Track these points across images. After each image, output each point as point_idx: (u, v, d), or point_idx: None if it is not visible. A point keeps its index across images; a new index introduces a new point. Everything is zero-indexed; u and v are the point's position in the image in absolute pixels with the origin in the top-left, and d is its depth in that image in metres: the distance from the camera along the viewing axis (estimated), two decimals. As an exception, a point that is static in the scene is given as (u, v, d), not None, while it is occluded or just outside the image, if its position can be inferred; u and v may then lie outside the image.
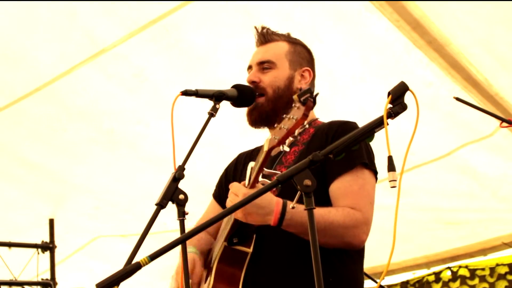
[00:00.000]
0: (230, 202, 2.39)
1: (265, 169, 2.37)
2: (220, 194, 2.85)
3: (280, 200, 2.33)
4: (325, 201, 2.45)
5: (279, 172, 2.49)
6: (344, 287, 2.48)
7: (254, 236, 2.46)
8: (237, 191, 2.36)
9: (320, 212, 2.31)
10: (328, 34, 4.20)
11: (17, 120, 4.89)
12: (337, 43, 4.31)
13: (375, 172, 2.53)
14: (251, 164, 2.39)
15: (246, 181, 2.38)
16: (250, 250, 2.45)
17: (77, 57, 4.39)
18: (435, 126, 4.85)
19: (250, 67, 2.76)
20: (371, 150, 2.55)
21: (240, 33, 4.04)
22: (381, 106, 1.91)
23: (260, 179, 2.38)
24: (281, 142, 2.23)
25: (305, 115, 2.13)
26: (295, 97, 2.16)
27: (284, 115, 2.20)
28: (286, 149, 2.27)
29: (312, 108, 2.15)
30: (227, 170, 2.91)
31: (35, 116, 4.86)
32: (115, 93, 4.72)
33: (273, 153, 2.62)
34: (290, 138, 2.22)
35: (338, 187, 2.46)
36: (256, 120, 2.69)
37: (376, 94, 4.44)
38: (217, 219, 1.86)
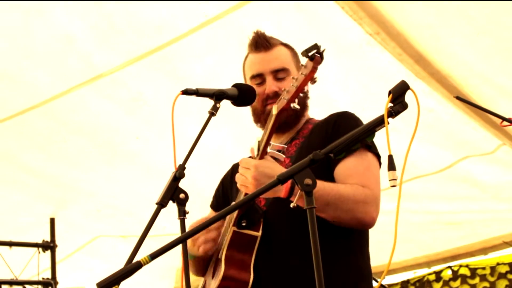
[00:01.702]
0: (240, 176, 2.37)
1: (272, 143, 2.36)
2: (218, 204, 2.86)
3: None
4: None
5: (285, 146, 2.49)
6: (351, 275, 2.48)
7: (262, 220, 2.46)
8: (247, 164, 2.35)
9: (329, 186, 2.34)
10: (331, 68, 4.21)
11: (18, 131, 4.93)
12: (340, 77, 4.32)
13: (378, 158, 2.52)
14: (258, 138, 2.38)
15: (255, 153, 2.37)
16: (259, 233, 2.44)
17: (74, 80, 4.43)
18: (436, 145, 4.89)
19: (259, 76, 2.69)
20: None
21: (237, 63, 4.06)
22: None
23: (269, 150, 2.36)
24: (291, 101, 2.23)
25: (315, 69, 2.14)
26: (302, 52, 2.15)
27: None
28: (297, 106, 2.25)
29: (320, 63, 2.14)
30: (223, 181, 2.91)
31: (35, 128, 4.91)
32: (113, 114, 4.78)
33: (274, 149, 2.64)
34: (301, 95, 2.21)
35: (343, 170, 2.46)
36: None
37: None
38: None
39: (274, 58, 2.68)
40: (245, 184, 2.36)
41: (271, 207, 2.50)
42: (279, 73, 2.65)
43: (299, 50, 3.94)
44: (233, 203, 2.60)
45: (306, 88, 2.26)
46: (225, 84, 4.29)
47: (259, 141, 2.37)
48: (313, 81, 2.62)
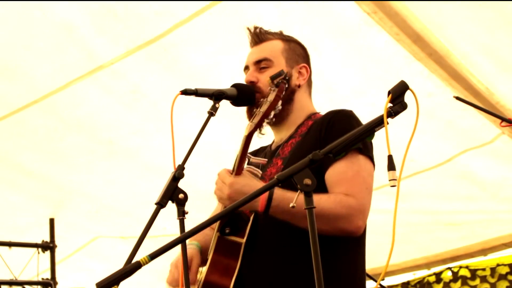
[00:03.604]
0: (217, 190, 2.41)
1: (252, 157, 2.42)
2: None
3: None
4: (323, 191, 2.43)
5: (265, 160, 2.56)
6: (341, 278, 2.45)
7: (248, 226, 2.46)
8: (224, 179, 2.38)
9: None
10: (328, 49, 4.20)
11: (15, 130, 4.91)
12: (337, 57, 4.31)
13: (371, 159, 2.50)
14: (237, 152, 2.41)
15: (232, 168, 2.40)
16: (243, 240, 2.44)
17: (74, 72, 4.42)
18: (435, 135, 4.86)
19: (246, 68, 2.75)
20: (369, 142, 2.51)
21: (238, 51, 4.05)
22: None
23: (246, 166, 2.40)
24: (258, 125, 2.32)
25: (278, 97, 2.27)
26: (268, 80, 2.31)
27: (262, 99, 2.34)
28: (263, 133, 2.40)
29: (284, 90, 2.29)
30: None
31: (33, 126, 4.90)
32: (113, 107, 4.76)
33: (275, 145, 2.70)
34: (266, 121, 2.32)
35: (332, 174, 2.45)
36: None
37: (376, 107, 4.43)
38: (216, 219, 1.88)
39: (260, 50, 2.72)
40: (222, 199, 2.40)
41: (257, 214, 2.48)
42: (261, 63, 2.69)
43: (298, 30, 3.96)
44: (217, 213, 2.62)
45: (278, 104, 2.33)
46: (227, 71, 4.31)
47: (237, 155, 2.40)
48: (310, 85, 2.74)
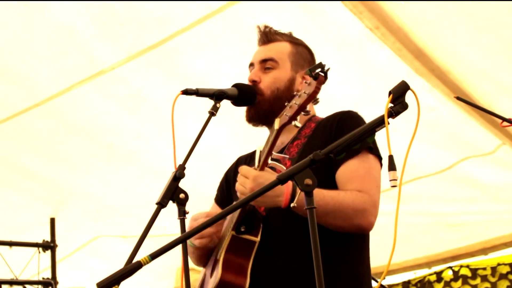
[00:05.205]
0: (239, 185, 2.38)
1: (274, 153, 2.35)
2: (222, 197, 2.86)
3: (290, 182, 2.29)
4: (333, 188, 2.44)
5: (287, 156, 2.51)
6: (351, 280, 2.48)
7: (261, 225, 2.45)
8: (247, 174, 2.35)
9: (330, 194, 2.35)
10: (330, 63, 4.19)
11: (17, 133, 4.93)
12: (339, 72, 4.31)
13: (380, 159, 2.52)
14: (260, 147, 2.39)
15: (256, 164, 2.37)
16: (258, 239, 2.44)
17: (75, 77, 4.43)
18: (437, 145, 4.88)
19: (252, 65, 2.75)
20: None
21: (238, 57, 4.06)
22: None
23: (270, 161, 2.36)
24: (292, 118, 2.25)
25: (318, 89, 2.16)
26: (307, 71, 2.19)
27: (290, 99, 2.23)
28: (298, 125, 2.26)
29: (323, 82, 2.17)
30: (227, 174, 2.90)
31: (34, 129, 4.91)
32: (114, 111, 4.77)
33: (276, 149, 2.65)
34: (302, 113, 2.23)
35: (344, 172, 2.46)
36: (253, 118, 2.68)
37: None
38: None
39: (267, 50, 2.72)
40: (244, 194, 2.36)
41: (271, 212, 2.49)
42: (266, 63, 2.69)
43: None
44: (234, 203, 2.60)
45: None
46: (228, 78, 4.31)
47: (260, 151, 2.37)
48: (316, 101, 2.70)
